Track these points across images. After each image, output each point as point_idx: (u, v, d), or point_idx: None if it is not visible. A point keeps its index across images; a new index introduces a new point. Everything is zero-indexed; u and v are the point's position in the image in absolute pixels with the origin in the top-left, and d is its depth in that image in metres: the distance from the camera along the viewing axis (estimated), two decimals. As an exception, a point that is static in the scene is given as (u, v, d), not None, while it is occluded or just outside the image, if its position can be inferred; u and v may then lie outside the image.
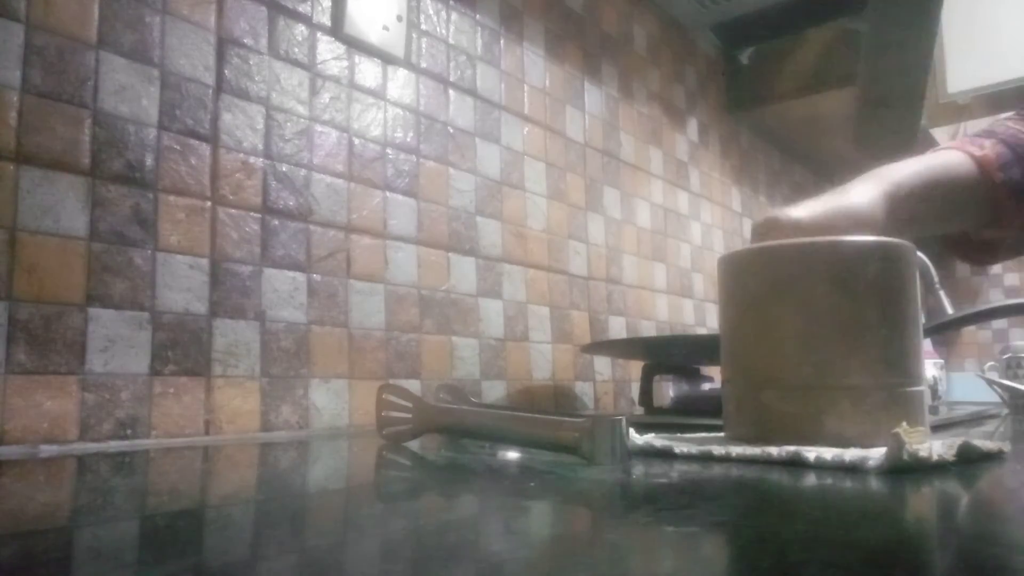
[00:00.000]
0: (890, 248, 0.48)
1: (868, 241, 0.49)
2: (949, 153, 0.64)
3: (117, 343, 0.61)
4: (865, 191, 0.55)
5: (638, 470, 0.42)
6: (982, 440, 0.43)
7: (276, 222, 0.74)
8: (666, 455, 0.47)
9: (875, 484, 0.35)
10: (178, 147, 0.67)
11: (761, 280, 0.49)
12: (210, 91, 0.70)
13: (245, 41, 0.73)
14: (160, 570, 0.21)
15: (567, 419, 0.44)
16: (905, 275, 0.48)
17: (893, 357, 0.46)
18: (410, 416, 0.55)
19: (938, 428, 0.75)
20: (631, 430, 0.47)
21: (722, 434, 0.53)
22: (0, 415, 0.54)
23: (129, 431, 0.61)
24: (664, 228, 1.39)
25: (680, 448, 0.47)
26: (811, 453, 0.41)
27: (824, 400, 0.45)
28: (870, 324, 0.46)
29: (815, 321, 0.46)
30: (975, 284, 2.49)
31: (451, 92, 0.96)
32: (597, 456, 0.42)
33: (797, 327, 0.47)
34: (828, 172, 2.09)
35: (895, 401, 0.46)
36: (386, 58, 0.87)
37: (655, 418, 0.87)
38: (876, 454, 0.39)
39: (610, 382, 1.19)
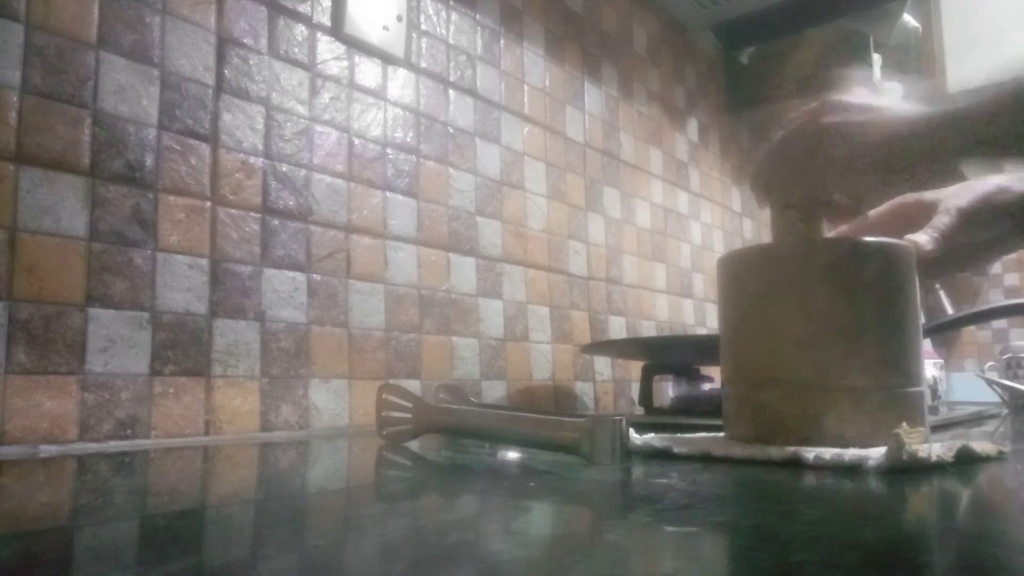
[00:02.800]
0: (889, 248, 0.48)
1: (868, 242, 0.49)
2: None
3: (117, 343, 0.61)
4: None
5: (638, 470, 0.42)
6: (981, 443, 0.43)
7: (276, 222, 0.74)
8: (665, 455, 0.47)
9: (875, 484, 0.35)
10: (178, 147, 0.67)
11: (760, 280, 0.49)
12: (210, 91, 0.70)
13: (245, 41, 0.73)
14: (160, 570, 0.21)
15: (567, 419, 0.44)
16: (904, 275, 0.48)
17: (892, 357, 0.46)
18: (410, 416, 0.55)
19: (938, 428, 0.74)
20: (631, 430, 0.47)
21: (722, 434, 0.53)
22: (0, 415, 0.54)
23: (129, 431, 0.61)
24: (664, 228, 1.39)
25: (679, 448, 0.47)
26: (810, 453, 0.41)
27: (824, 400, 0.45)
28: (869, 324, 0.46)
29: (814, 321, 0.46)
30: (975, 284, 2.49)
31: (451, 92, 0.96)
32: (597, 456, 0.42)
33: (796, 327, 0.47)
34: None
35: (894, 402, 0.46)
36: (386, 58, 0.87)
37: (655, 418, 0.87)
38: (875, 454, 0.39)
39: (610, 382, 1.19)
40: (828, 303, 0.46)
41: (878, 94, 0.51)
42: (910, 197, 0.60)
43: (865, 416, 0.45)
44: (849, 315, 0.46)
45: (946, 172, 0.48)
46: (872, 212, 0.61)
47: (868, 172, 0.49)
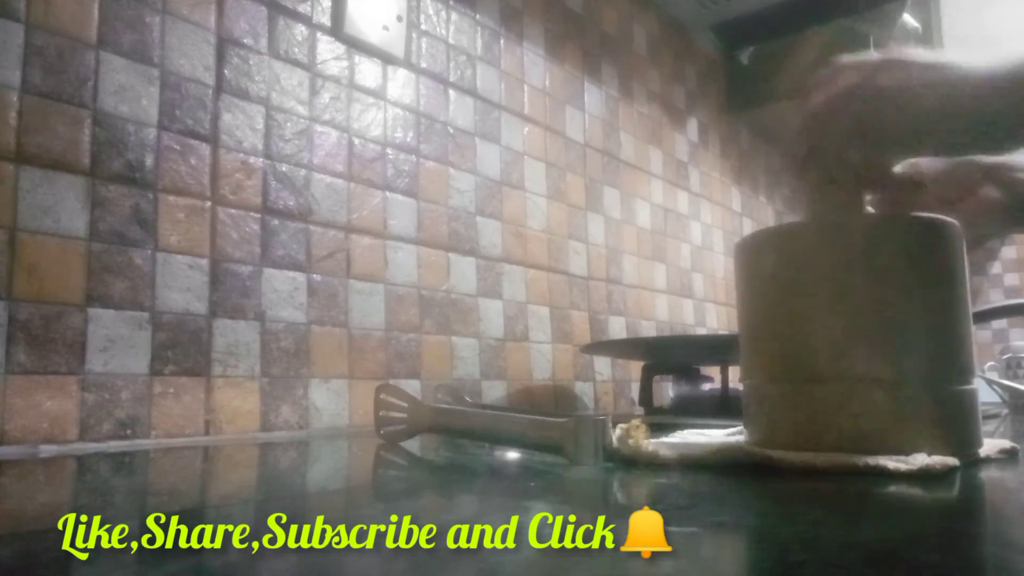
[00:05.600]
0: (933, 224, 0.43)
1: (908, 217, 0.43)
2: None
3: (117, 343, 0.61)
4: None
5: (638, 469, 0.42)
6: (999, 440, 0.43)
7: (276, 222, 0.74)
8: (697, 466, 0.41)
9: (874, 484, 0.35)
10: (178, 147, 0.67)
11: (786, 264, 0.44)
12: (210, 91, 0.70)
13: (245, 41, 0.73)
14: (160, 570, 0.21)
15: (551, 419, 0.44)
16: (951, 254, 0.43)
17: (942, 352, 0.41)
18: (406, 416, 0.55)
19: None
20: (645, 440, 0.43)
21: (733, 434, 0.52)
22: (0, 415, 0.54)
23: (129, 431, 0.61)
24: (664, 228, 1.39)
25: (711, 459, 0.41)
26: (859, 461, 0.37)
27: (858, 399, 0.40)
28: (913, 313, 0.41)
29: (849, 311, 0.41)
30: (975, 284, 2.48)
31: (451, 92, 0.96)
32: (580, 456, 0.42)
33: (830, 318, 0.41)
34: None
35: (945, 402, 0.41)
36: (386, 58, 0.87)
37: (655, 418, 0.87)
38: (918, 461, 0.36)
39: (610, 382, 1.19)
40: (864, 289, 0.41)
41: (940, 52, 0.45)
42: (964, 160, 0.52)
43: (906, 419, 0.40)
44: (890, 303, 0.40)
45: None
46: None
47: (933, 142, 0.42)
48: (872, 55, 0.44)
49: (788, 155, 0.46)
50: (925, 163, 0.51)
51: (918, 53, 0.43)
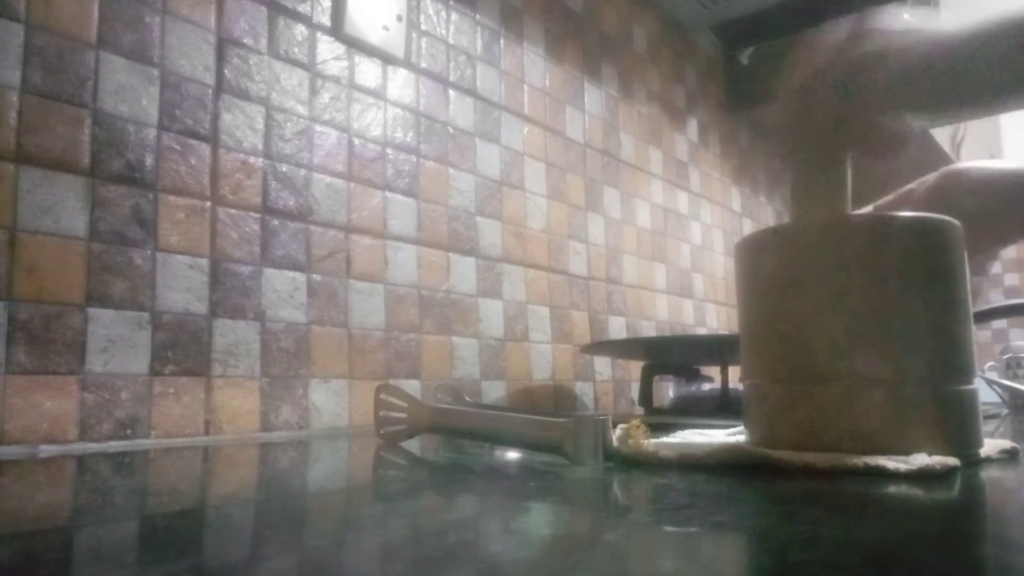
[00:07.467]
0: (933, 224, 0.43)
1: (908, 216, 0.43)
2: None
3: (117, 343, 0.61)
4: None
5: (637, 469, 0.42)
6: (1000, 440, 0.43)
7: (276, 222, 0.74)
8: (695, 467, 0.41)
9: (874, 484, 0.35)
10: (178, 147, 0.67)
11: (786, 264, 0.44)
12: (210, 91, 0.70)
13: (245, 41, 0.73)
14: (160, 570, 0.21)
15: (551, 419, 0.44)
16: (951, 254, 0.43)
17: (942, 351, 0.41)
18: (406, 416, 0.55)
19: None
20: (645, 440, 0.43)
21: (734, 435, 0.52)
22: (0, 415, 0.54)
23: (129, 431, 0.61)
24: (664, 228, 1.39)
25: (713, 459, 0.40)
26: (859, 461, 0.37)
27: (858, 399, 0.40)
28: (913, 313, 0.41)
29: (849, 311, 0.41)
30: (975, 284, 2.48)
31: (451, 92, 0.96)
32: (580, 456, 0.42)
33: (826, 317, 0.41)
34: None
35: (946, 402, 0.41)
36: (386, 58, 0.87)
37: (655, 418, 0.87)
38: (918, 461, 0.36)
39: (610, 382, 1.19)
40: (864, 288, 0.41)
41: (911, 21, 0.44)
42: (961, 169, 0.54)
43: (906, 419, 0.40)
44: (890, 303, 0.41)
45: (1010, 99, 0.42)
46: (920, 187, 0.55)
47: (915, 106, 0.42)
48: (846, 26, 0.46)
49: (775, 137, 0.48)
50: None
51: (892, 19, 0.45)
